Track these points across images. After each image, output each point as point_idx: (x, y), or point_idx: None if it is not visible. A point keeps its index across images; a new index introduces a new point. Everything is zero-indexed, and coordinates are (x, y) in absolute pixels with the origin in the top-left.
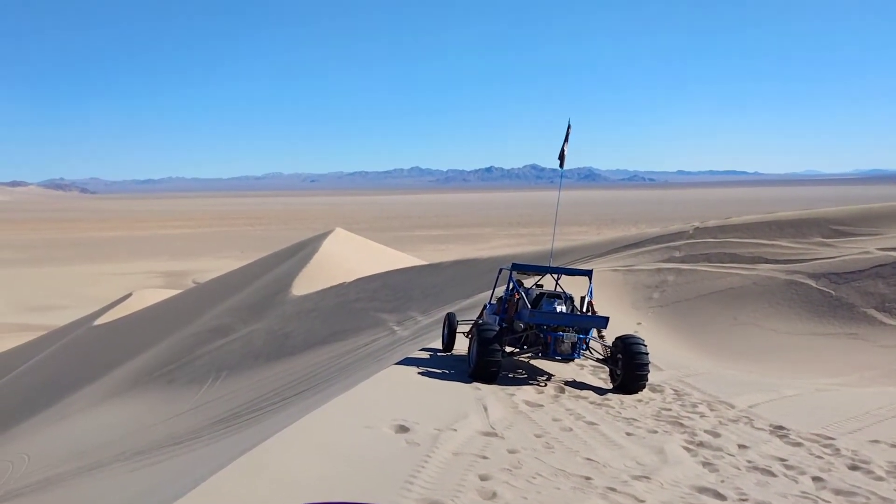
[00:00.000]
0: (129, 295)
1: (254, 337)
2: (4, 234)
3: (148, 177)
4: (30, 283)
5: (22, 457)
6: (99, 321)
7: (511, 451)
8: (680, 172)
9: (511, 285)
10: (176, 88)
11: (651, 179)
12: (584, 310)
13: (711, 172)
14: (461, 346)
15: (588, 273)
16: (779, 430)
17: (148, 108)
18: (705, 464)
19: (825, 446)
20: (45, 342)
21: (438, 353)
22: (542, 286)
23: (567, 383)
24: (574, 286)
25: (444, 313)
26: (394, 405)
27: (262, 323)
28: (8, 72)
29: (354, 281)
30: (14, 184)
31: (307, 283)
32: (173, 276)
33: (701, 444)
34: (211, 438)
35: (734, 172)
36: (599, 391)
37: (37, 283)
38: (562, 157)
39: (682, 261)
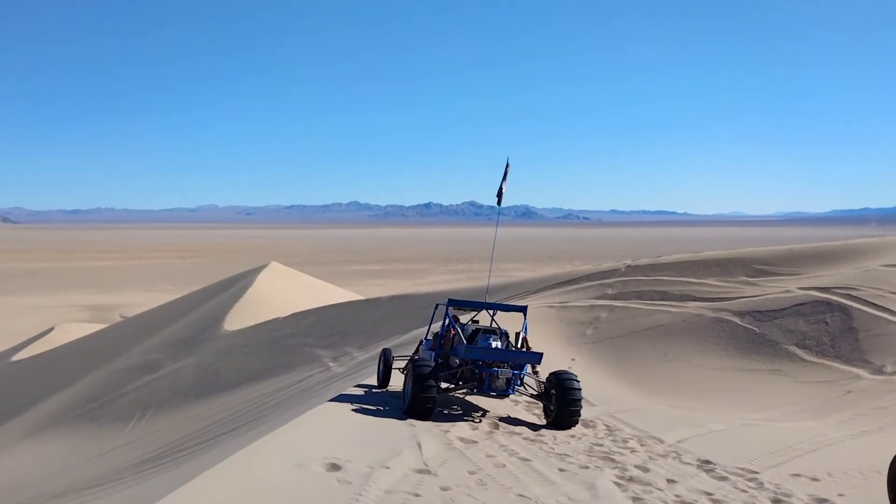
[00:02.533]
0: (51, 329)
1: (183, 373)
2: None
3: (75, 207)
4: None
5: None
6: (18, 356)
7: (444, 489)
8: (613, 211)
9: (447, 321)
10: (106, 115)
11: (585, 218)
12: (519, 346)
13: (643, 212)
14: (397, 381)
15: (523, 309)
16: (706, 465)
17: (76, 134)
18: (635, 499)
19: (749, 480)
20: None
21: (373, 390)
22: (477, 322)
23: (501, 419)
24: (509, 322)
25: (381, 349)
26: (326, 442)
27: (193, 358)
28: None
29: (289, 316)
30: None
31: (240, 317)
32: (99, 309)
33: (631, 479)
34: (136, 479)
35: (665, 212)
36: (533, 427)
37: None
38: (500, 194)
39: (615, 298)
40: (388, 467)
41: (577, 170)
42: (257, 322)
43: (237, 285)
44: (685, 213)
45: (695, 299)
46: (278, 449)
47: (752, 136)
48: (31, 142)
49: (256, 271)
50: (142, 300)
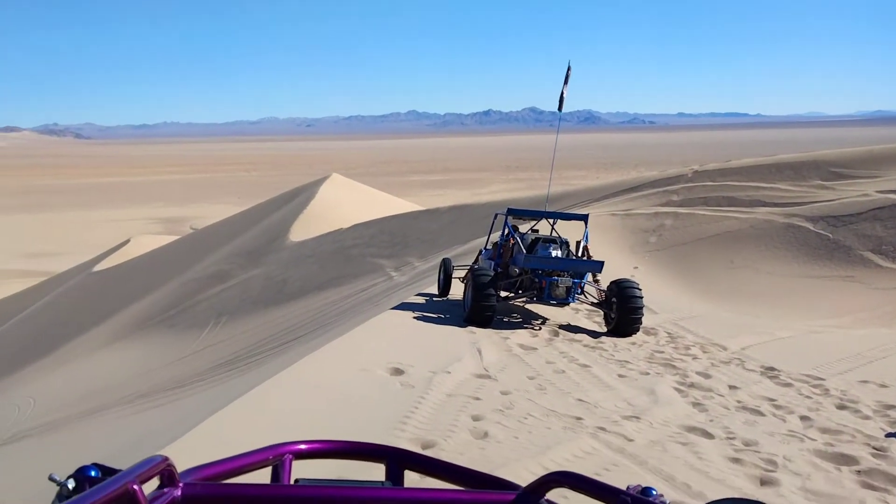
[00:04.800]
0: (128, 241)
1: (252, 283)
2: (0, 181)
3: (143, 122)
4: (27, 229)
5: (28, 400)
6: (98, 267)
7: (504, 393)
8: (680, 115)
9: (506, 230)
10: (171, 32)
11: (651, 122)
12: (580, 254)
13: (713, 115)
14: (457, 291)
15: (584, 217)
16: (770, 371)
17: (143, 52)
18: (695, 404)
19: (814, 386)
20: (45, 288)
21: (434, 298)
22: (537, 231)
23: (561, 327)
24: (570, 231)
25: (441, 259)
26: (389, 349)
27: (260, 269)
28: (1, 17)
29: (351, 227)
30: (8, 129)
31: (304, 229)
32: (171, 221)
33: (692, 385)
34: (212, 381)
35: (736, 115)
36: (593, 334)
37: (34, 229)
38: (561, 99)
39: (681, 204)
40: (450, 372)
41: (642, 72)
42: (321, 233)
43: (300, 197)
44: (758, 115)
45: (765, 204)
46: (344, 354)
47: (832, 29)
48: (100, 59)
49: (318, 183)
50: (210, 212)
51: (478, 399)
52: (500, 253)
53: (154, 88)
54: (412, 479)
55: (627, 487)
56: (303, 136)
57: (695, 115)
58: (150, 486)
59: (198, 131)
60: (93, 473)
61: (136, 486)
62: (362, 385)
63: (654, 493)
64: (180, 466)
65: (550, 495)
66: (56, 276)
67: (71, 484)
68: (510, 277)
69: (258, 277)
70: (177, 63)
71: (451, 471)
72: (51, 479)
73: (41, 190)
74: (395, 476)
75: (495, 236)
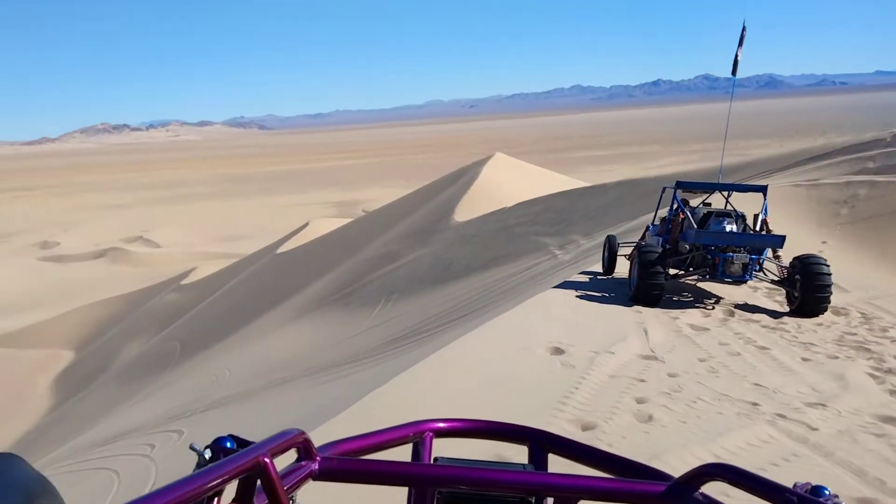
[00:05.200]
0: (306, 224)
1: (419, 262)
2: (197, 171)
3: (318, 111)
4: (220, 215)
5: (224, 371)
6: (281, 250)
7: (671, 375)
8: (878, 73)
9: (675, 205)
10: (339, 25)
11: (843, 83)
12: (758, 228)
13: None
14: (622, 269)
15: (762, 189)
16: None
17: (315, 45)
18: (893, 392)
19: None
20: (236, 269)
21: (599, 277)
22: (709, 205)
23: (737, 306)
24: (748, 204)
25: (605, 236)
26: (550, 328)
27: (427, 249)
28: (190, 21)
29: (515, 206)
30: (202, 123)
31: (469, 208)
32: (344, 205)
33: (889, 371)
34: (383, 357)
35: None
36: (774, 314)
37: (226, 215)
38: (735, 63)
39: (877, 172)
40: (613, 353)
41: (831, 27)
42: (485, 212)
43: (464, 178)
44: None
45: None
46: (505, 332)
47: None
48: (279, 53)
49: (482, 163)
50: (380, 195)
51: (642, 381)
52: (668, 229)
53: (326, 79)
54: (556, 463)
55: (794, 485)
56: (467, 117)
57: (895, 73)
58: (289, 459)
59: (367, 118)
60: (228, 444)
61: (266, 459)
62: (522, 364)
63: (828, 492)
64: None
65: (707, 489)
66: (246, 258)
67: (207, 454)
68: (680, 254)
69: (425, 257)
70: (347, 53)
71: (597, 456)
72: (191, 448)
73: (231, 179)
74: (538, 459)
75: (663, 211)
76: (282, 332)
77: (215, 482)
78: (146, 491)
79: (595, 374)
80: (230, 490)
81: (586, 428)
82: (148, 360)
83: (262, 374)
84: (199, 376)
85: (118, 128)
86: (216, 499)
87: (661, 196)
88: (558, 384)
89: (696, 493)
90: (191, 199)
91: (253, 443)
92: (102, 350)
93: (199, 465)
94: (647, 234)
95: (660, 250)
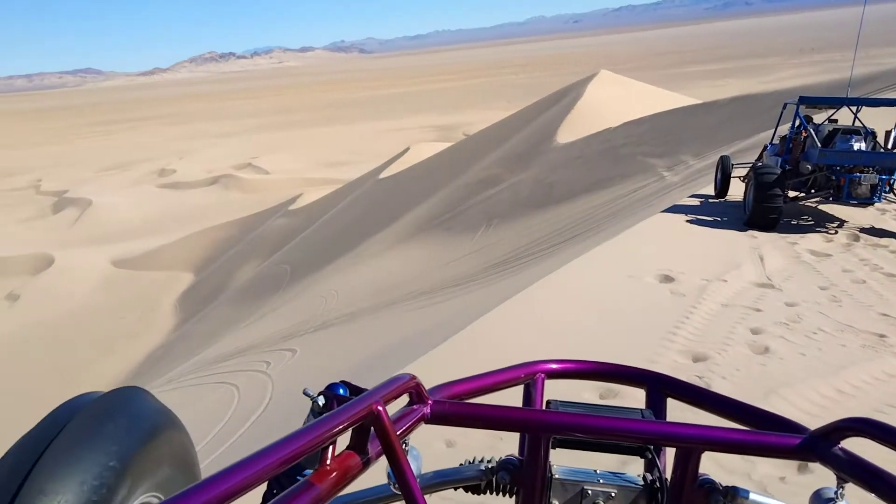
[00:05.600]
0: (407, 149)
1: (521, 186)
2: (300, 98)
3: (417, 32)
4: (324, 141)
5: (332, 293)
6: (383, 175)
7: (789, 304)
8: None
9: (797, 122)
10: None
11: None
12: (890, 146)
13: None
14: (736, 191)
15: None
16: None
17: None
18: None
19: None
20: (341, 195)
21: (710, 200)
22: (836, 121)
23: (863, 230)
24: (878, 119)
25: (719, 156)
26: (659, 254)
27: (529, 172)
28: None
29: (621, 125)
30: (303, 49)
31: (572, 129)
32: (445, 129)
33: None
34: (486, 282)
35: None
36: None
37: (329, 140)
38: None
39: None
40: (726, 280)
41: None
42: (589, 133)
43: (567, 98)
44: None
45: None
46: (611, 259)
47: None
48: None
49: (586, 82)
50: (480, 118)
51: (758, 310)
52: (788, 148)
53: None
54: (676, 408)
55: None
56: (570, 33)
57: None
58: (400, 403)
59: (467, 37)
60: (341, 391)
61: (380, 407)
62: (630, 292)
63: None
64: (445, 368)
65: (846, 443)
66: (349, 184)
67: (321, 401)
68: (801, 175)
69: (527, 180)
70: None
71: (723, 403)
72: (304, 393)
73: (333, 104)
74: (656, 404)
75: (784, 129)
76: (385, 257)
77: (332, 431)
78: (263, 406)
79: (707, 303)
80: (344, 437)
81: (697, 359)
82: (261, 283)
83: (367, 297)
84: (309, 298)
85: (224, 56)
86: (331, 447)
87: (782, 113)
88: (668, 314)
89: (836, 447)
90: (295, 125)
91: (365, 389)
92: (219, 272)
93: (312, 411)
94: (764, 154)
95: (779, 171)
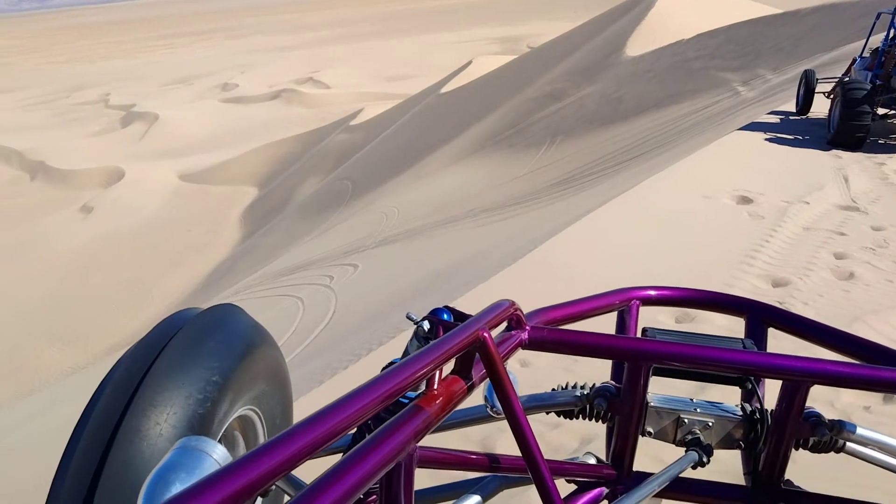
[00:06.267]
0: (469, 63)
1: (587, 101)
2: (359, 10)
3: None
4: (384, 54)
5: (393, 209)
6: (444, 89)
7: (876, 229)
8: None
9: (893, 32)
10: None
11: None
12: None
13: None
14: (820, 108)
15: None
16: None
17: None
18: None
19: None
20: (402, 110)
21: (791, 117)
22: None
23: None
24: None
25: (801, 70)
26: (736, 174)
27: (595, 86)
28: None
29: (694, 37)
30: None
31: (642, 42)
32: (508, 41)
33: None
34: (548, 200)
35: None
36: None
37: (389, 54)
38: None
39: None
40: (808, 202)
41: None
42: (660, 46)
43: (638, 7)
44: None
45: None
46: (686, 179)
47: None
48: None
49: None
50: (545, 29)
51: (842, 234)
52: (881, 62)
53: None
54: (778, 340)
55: None
56: None
57: None
58: (497, 329)
59: None
60: (445, 317)
61: (486, 334)
62: (706, 214)
63: None
64: (519, 288)
65: None
66: (411, 98)
67: (426, 325)
68: (892, 91)
69: (593, 95)
70: None
71: (831, 335)
72: (408, 317)
73: (393, 16)
74: (756, 334)
75: (876, 40)
76: (446, 173)
77: (444, 357)
78: (328, 318)
79: (787, 226)
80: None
81: (777, 284)
82: (323, 198)
83: (429, 214)
84: (370, 213)
85: None
86: (438, 371)
87: (875, 22)
88: (746, 236)
89: None
90: (355, 38)
91: (469, 315)
92: (282, 187)
93: (416, 335)
94: (853, 68)
95: (868, 86)
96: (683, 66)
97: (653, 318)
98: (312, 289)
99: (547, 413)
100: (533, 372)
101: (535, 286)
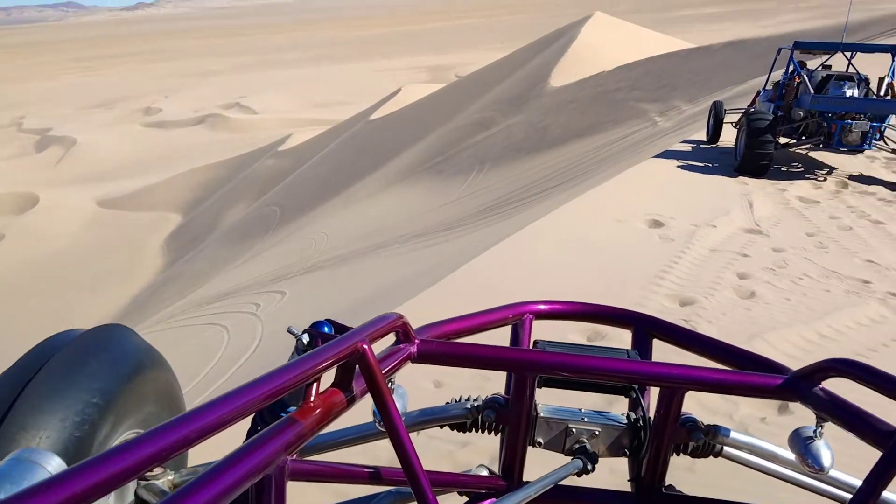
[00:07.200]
0: (399, 90)
1: (514, 129)
2: (289, 36)
3: None
4: (313, 81)
5: (322, 235)
6: (374, 116)
7: (776, 250)
8: None
9: (791, 67)
10: None
11: None
12: (882, 93)
13: None
14: (728, 137)
15: (891, 49)
16: None
17: None
18: None
19: None
20: (331, 136)
21: (702, 146)
22: (829, 67)
23: (852, 177)
24: (873, 66)
25: (711, 102)
26: (649, 199)
27: (522, 116)
28: None
29: (614, 69)
30: None
31: (565, 73)
32: (437, 70)
33: None
34: (476, 226)
35: None
36: (892, 186)
37: (318, 80)
38: None
39: None
40: (715, 226)
41: None
42: (582, 77)
43: (561, 40)
44: None
45: None
46: (602, 204)
47: None
48: None
49: (580, 24)
50: (473, 59)
51: (746, 256)
52: (781, 94)
53: None
54: (661, 349)
55: None
56: None
57: None
58: (387, 342)
59: None
60: (326, 329)
61: (365, 346)
62: (619, 237)
63: None
64: (434, 310)
65: (827, 384)
66: (340, 124)
67: (305, 338)
68: (793, 121)
69: (520, 124)
70: None
71: (707, 344)
72: (289, 331)
73: (323, 43)
74: (641, 345)
75: (777, 75)
76: (375, 199)
77: (316, 368)
78: (254, 347)
79: (695, 248)
80: (329, 376)
81: (685, 303)
82: (250, 224)
83: (357, 240)
84: (299, 240)
85: None
86: (315, 384)
87: (776, 58)
88: (656, 258)
89: (817, 387)
90: (284, 64)
91: (350, 328)
92: (207, 213)
93: (296, 349)
94: (757, 99)
95: (771, 117)
96: (605, 97)
97: (563, 337)
98: (238, 317)
99: (441, 427)
100: (449, 392)
101: (454, 304)
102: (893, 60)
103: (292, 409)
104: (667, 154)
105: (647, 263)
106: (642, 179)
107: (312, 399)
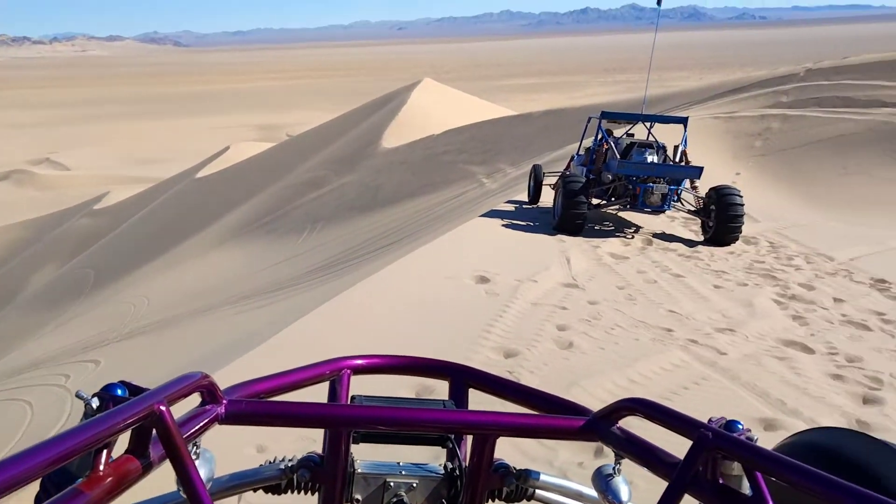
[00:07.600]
0: (227, 148)
1: (346, 189)
2: (106, 89)
3: (237, 28)
4: (134, 137)
5: (142, 299)
6: (200, 174)
7: (591, 303)
8: (795, 9)
9: (600, 135)
10: None
11: (763, 17)
12: (678, 160)
13: (831, 7)
14: (547, 198)
15: (683, 121)
16: (880, 284)
17: None
18: (795, 317)
19: None
20: (153, 194)
21: (524, 206)
22: (633, 135)
23: (655, 235)
24: (668, 135)
25: (531, 165)
26: (476, 256)
27: (354, 175)
28: None
29: (443, 133)
30: (111, 38)
31: (396, 135)
32: (267, 129)
33: (793, 297)
34: (309, 286)
35: (859, 6)
36: (689, 243)
37: (140, 136)
38: None
39: (790, 106)
40: (536, 281)
41: None
42: (413, 139)
43: (392, 103)
44: (882, 7)
45: (885, 105)
46: (430, 261)
47: None
48: None
49: (410, 88)
50: (305, 118)
51: (564, 308)
52: (592, 159)
53: None
54: (480, 399)
55: (709, 420)
56: (395, 40)
57: (812, 9)
58: (192, 403)
59: (291, 37)
60: (119, 392)
61: (163, 407)
62: (448, 293)
63: (741, 427)
64: (261, 371)
65: (625, 423)
66: (163, 183)
67: (95, 403)
68: (603, 184)
69: (352, 184)
70: None
71: (518, 391)
72: (78, 396)
73: (145, 98)
74: (458, 395)
75: (588, 141)
76: (202, 260)
77: (104, 433)
78: (62, 423)
79: (518, 303)
80: (124, 440)
81: (509, 355)
82: (60, 288)
83: (182, 303)
84: (116, 305)
85: (17, 40)
86: (105, 451)
87: (587, 126)
88: (483, 312)
89: (614, 427)
90: (101, 118)
91: (147, 389)
92: (11, 276)
93: (86, 415)
94: (571, 163)
95: (583, 180)
96: (435, 159)
97: (393, 392)
98: (44, 390)
99: (254, 491)
100: (272, 455)
101: (276, 366)
102: (685, 130)
103: (80, 480)
104: (493, 213)
105: (474, 318)
106: (470, 237)
107: (102, 468)
